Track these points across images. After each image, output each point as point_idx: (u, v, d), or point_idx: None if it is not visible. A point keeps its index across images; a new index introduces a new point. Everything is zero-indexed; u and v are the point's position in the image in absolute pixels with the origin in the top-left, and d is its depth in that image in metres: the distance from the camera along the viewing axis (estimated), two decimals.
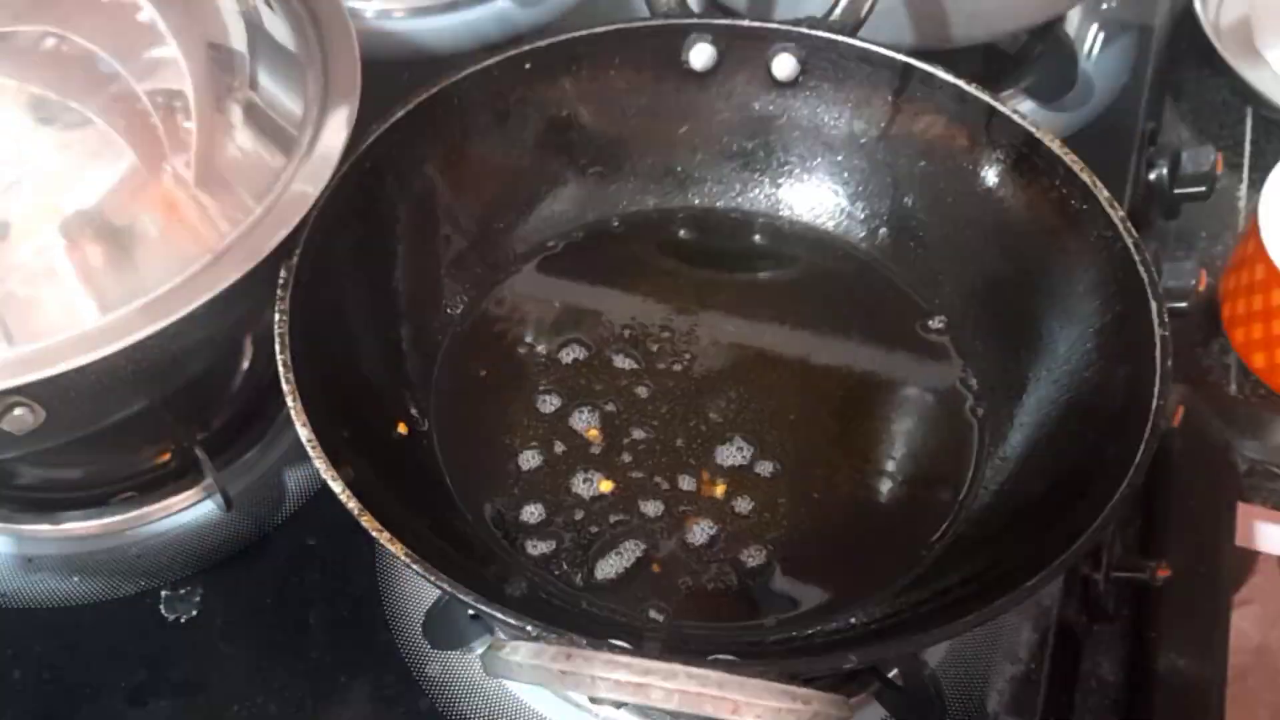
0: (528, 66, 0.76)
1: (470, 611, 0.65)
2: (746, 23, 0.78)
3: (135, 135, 0.59)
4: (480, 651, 0.67)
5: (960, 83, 0.74)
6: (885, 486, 0.69)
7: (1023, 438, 0.69)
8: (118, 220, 0.58)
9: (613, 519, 0.67)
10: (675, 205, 0.81)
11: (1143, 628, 0.72)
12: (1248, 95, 1.00)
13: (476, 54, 0.75)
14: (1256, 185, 0.84)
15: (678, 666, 0.46)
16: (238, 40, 0.65)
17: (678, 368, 0.73)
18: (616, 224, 0.80)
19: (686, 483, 0.68)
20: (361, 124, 0.67)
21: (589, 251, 0.79)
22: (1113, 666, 0.70)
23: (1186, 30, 1.03)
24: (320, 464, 0.56)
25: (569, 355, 0.73)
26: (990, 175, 0.75)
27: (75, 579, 0.73)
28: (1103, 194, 0.68)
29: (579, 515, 0.67)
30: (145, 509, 0.75)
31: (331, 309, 0.66)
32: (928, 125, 0.77)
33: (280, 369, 0.59)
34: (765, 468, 0.69)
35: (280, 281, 0.62)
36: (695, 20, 0.79)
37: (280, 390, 0.59)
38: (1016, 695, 0.68)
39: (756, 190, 0.82)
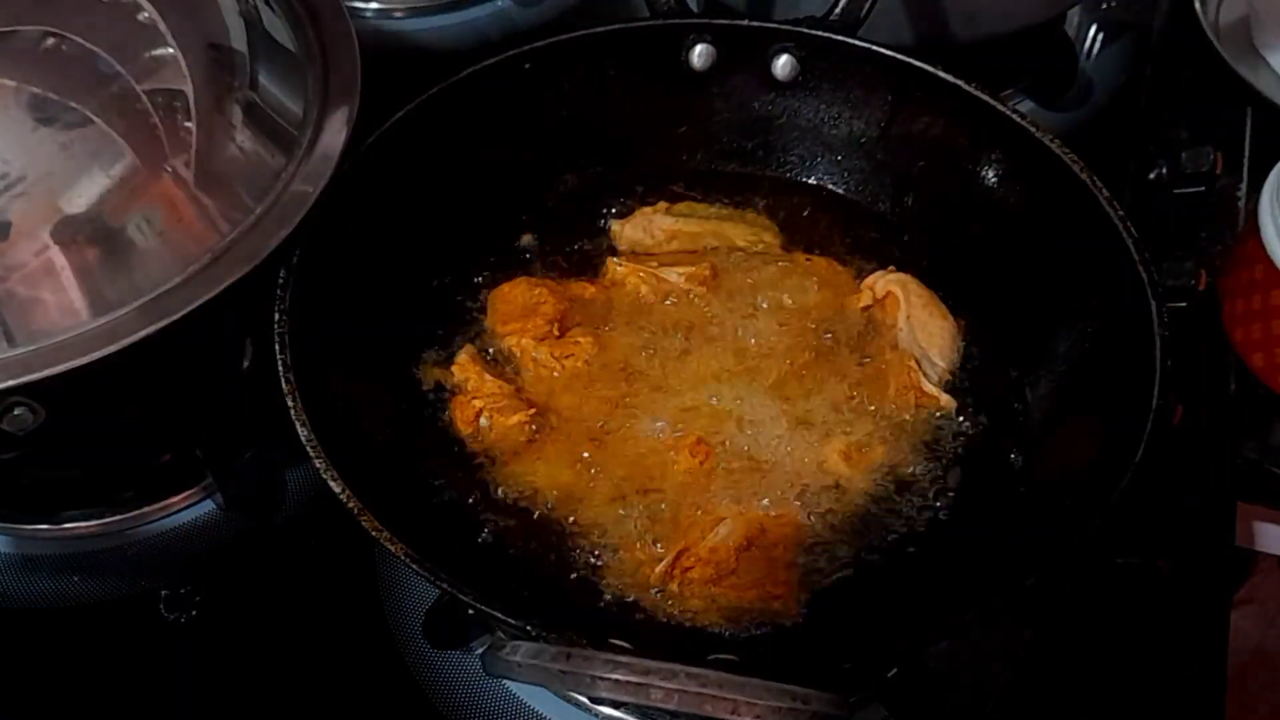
0: (527, 66, 0.76)
1: (470, 611, 0.65)
2: (746, 23, 0.78)
3: (135, 135, 0.59)
4: (480, 651, 0.67)
5: (960, 82, 0.74)
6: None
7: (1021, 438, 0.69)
8: (118, 220, 0.59)
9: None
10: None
11: (1143, 628, 0.72)
12: (1247, 95, 1.00)
13: (476, 54, 0.75)
14: (1256, 185, 0.84)
15: (678, 666, 0.46)
16: (238, 40, 0.65)
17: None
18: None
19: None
20: (361, 124, 0.67)
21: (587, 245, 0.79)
22: (1112, 666, 0.70)
23: (1186, 30, 1.03)
24: (320, 464, 0.56)
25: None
26: (990, 175, 0.75)
27: (75, 579, 0.73)
28: (1102, 193, 0.68)
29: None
30: (145, 509, 0.75)
31: (331, 309, 0.66)
32: (927, 125, 0.77)
33: (280, 369, 0.59)
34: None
35: (280, 281, 0.62)
36: (695, 20, 0.79)
37: (280, 390, 0.59)
38: (1016, 695, 0.68)
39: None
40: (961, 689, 0.68)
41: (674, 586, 0.62)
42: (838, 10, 0.77)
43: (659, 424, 0.68)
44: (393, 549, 0.54)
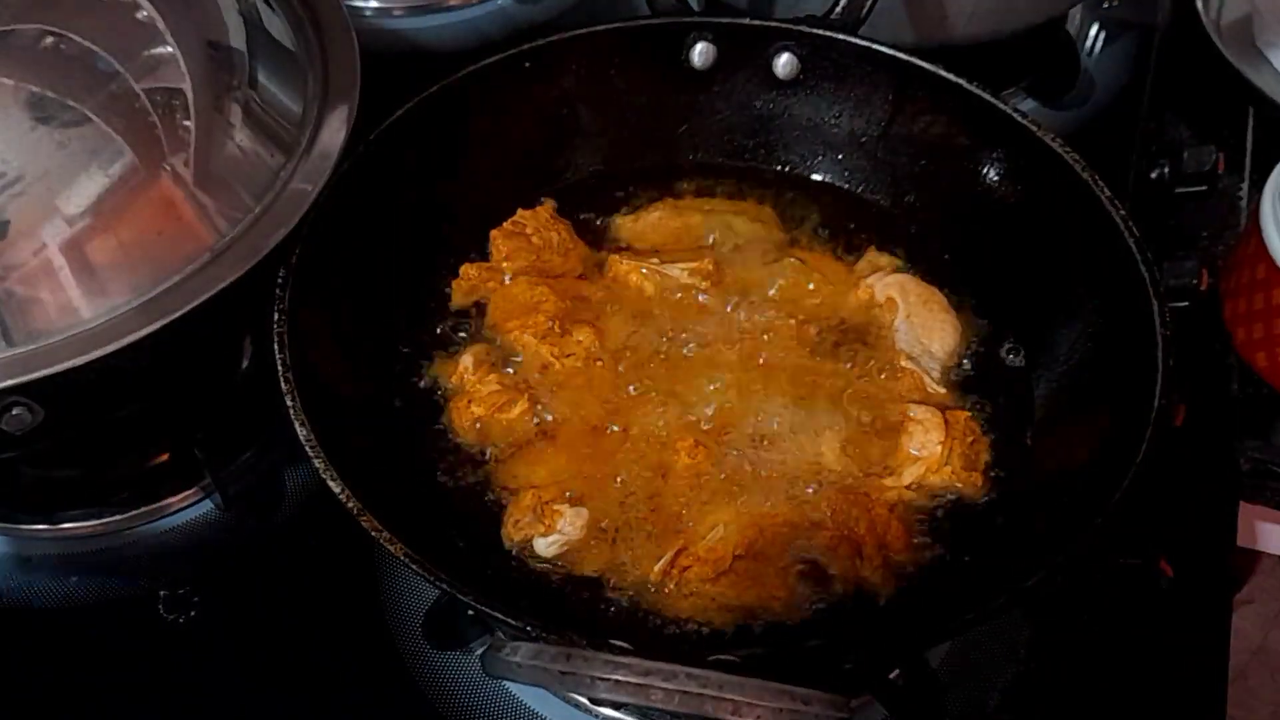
0: (527, 65, 0.76)
1: (470, 611, 0.65)
2: (747, 21, 0.78)
3: (134, 134, 0.59)
4: (480, 652, 0.67)
5: (961, 81, 0.74)
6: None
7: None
8: (116, 219, 0.59)
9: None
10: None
11: (1144, 627, 0.72)
12: (1249, 94, 0.99)
13: (476, 52, 0.75)
14: (1258, 184, 0.84)
15: (678, 667, 0.46)
16: (237, 40, 0.65)
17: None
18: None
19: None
20: (361, 123, 0.67)
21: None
22: (1113, 666, 0.70)
23: (1188, 29, 1.03)
24: (320, 464, 0.56)
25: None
26: (991, 174, 0.75)
27: (75, 579, 0.73)
28: (1104, 193, 0.68)
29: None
30: (144, 509, 0.75)
31: (331, 309, 0.66)
32: (928, 124, 0.77)
33: (279, 369, 0.59)
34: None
35: (280, 281, 0.62)
36: (696, 19, 0.79)
37: (279, 390, 0.59)
38: (1016, 695, 0.68)
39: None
40: (961, 689, 0.68)
41: (671, 586, 0.62)
42: (839, 9, 0.76)
43: (659, 422, 0.68)
44: (393, 549, 0.54)
